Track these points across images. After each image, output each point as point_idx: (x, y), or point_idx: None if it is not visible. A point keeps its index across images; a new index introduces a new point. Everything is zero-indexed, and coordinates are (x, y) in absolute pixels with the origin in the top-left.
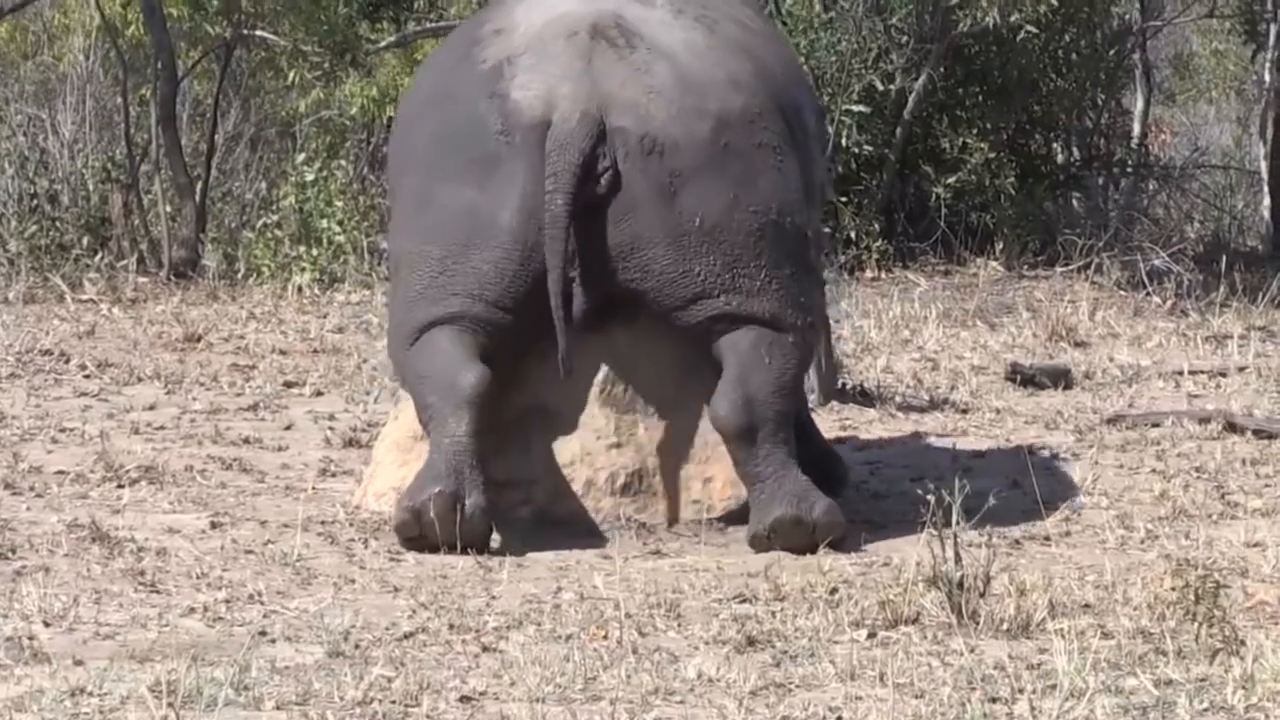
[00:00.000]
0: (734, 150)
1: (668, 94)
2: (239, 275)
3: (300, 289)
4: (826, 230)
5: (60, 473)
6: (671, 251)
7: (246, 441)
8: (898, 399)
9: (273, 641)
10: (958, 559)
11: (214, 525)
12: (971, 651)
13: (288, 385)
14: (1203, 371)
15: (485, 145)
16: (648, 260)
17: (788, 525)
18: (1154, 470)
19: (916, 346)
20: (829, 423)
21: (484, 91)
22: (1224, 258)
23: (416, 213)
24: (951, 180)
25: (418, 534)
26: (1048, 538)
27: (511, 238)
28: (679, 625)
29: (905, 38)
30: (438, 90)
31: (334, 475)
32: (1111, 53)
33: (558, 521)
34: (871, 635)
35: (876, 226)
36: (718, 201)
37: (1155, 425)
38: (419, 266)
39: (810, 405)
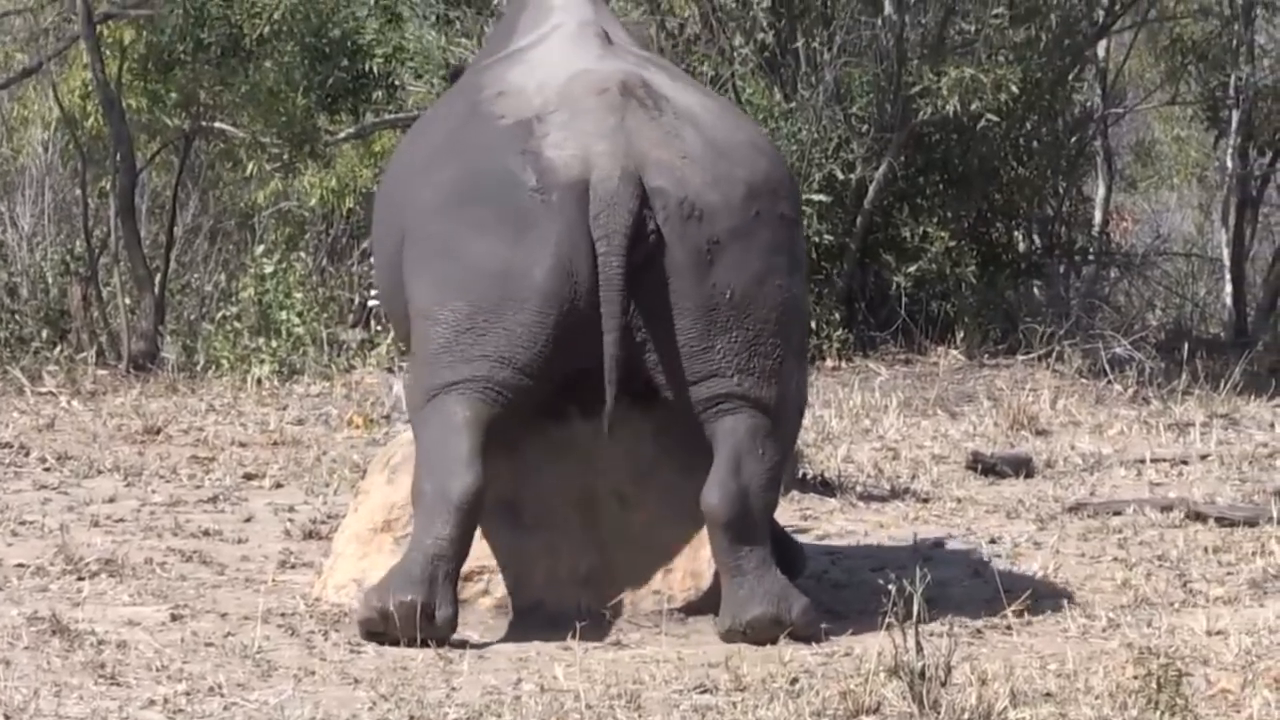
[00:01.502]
0: (763, 220)
1: (701, 159)
2: (198, 367)
3: (260, 381)
4: None
5: (20, 565)
6: (699, 324)
7: (206, 534)
8: (858, 488)
9: None
10: (919, 648)
11: (174, 617)
12: None
13: (247, 477)
14: (1165, 459)
15: (517, 201)
16: (675, 331)
17: (766, 624)
18: (1116, 559)
19: (877, 436)
20: (790, 512)
21: (512, 147)
22: (1186, 345)
23: (437, 261)
24: (912, 269)
25: (381, 630)
26: (1009, 627)
27: (544, 299)
28: (640, 716)
29: (866, 126)
30: (452, 141)
31: (294, 567)
32: (1073, 140)
33: (518, 612)
34: None
35: (837, 315)
36: (748, 273)
37: (1117, 513)
38: (442, 319)
39: None
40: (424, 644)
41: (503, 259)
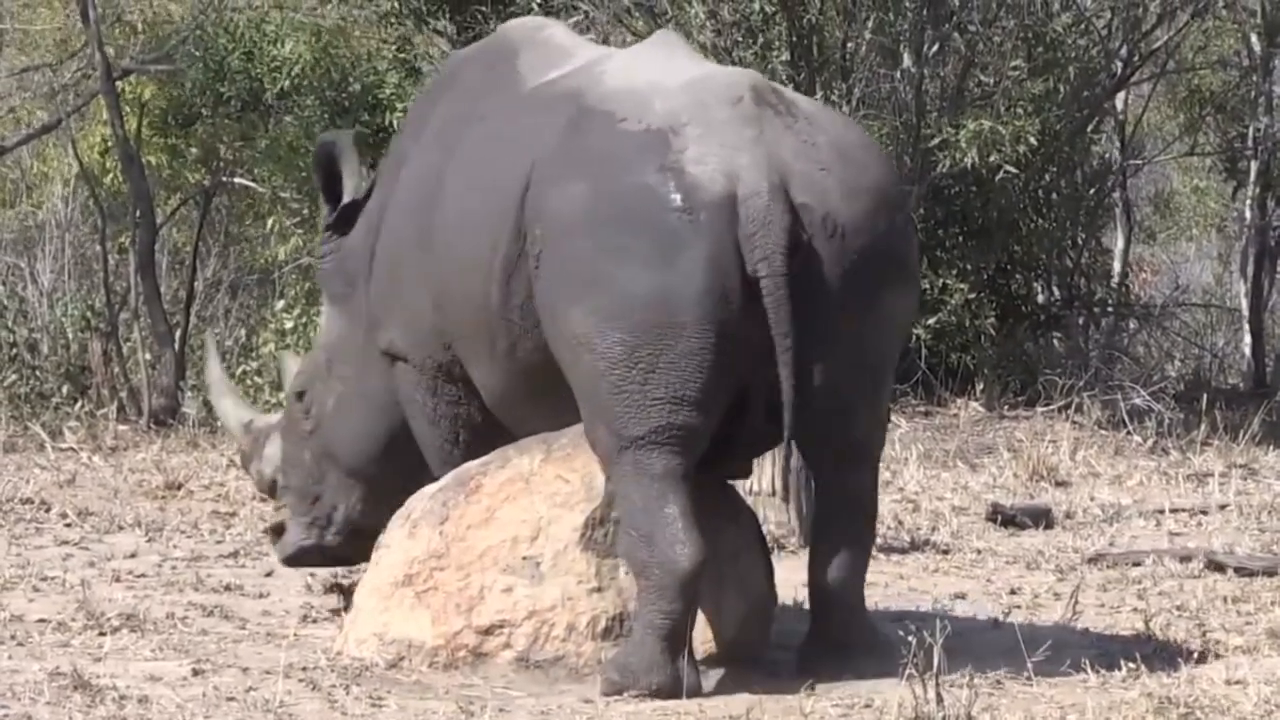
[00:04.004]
0: (888, 231)
1: (835, 168)
2: (219, 423)
3: None
4: None
5: (42, 621)
6: (838, 351)
7: (228, 588)
8: (879, 541)
9: None
10: (940, 700)
11: (196, 672)
12: None
13: (268, 532)
14: (1184, 510)
15: (664, 221)
16: (816, 359)
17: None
18: (1135, 609)
19: (897, 488)
20: None
21: (651, 162)
22: (1205, 396)
23: (589, 288)
24: (932, 321)
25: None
26: (1029, 677)
27: (703, 324)
28: None
29: None
30: (587, 150)
31: (315, 621)
32: (1092, 192)
33: (539, 666)
34: None
35: None
36: (877, 293)
37: (1136, 564)
38: (601, 352)
39: (792, 548)
40: (446, 694)
41: (655, 284)
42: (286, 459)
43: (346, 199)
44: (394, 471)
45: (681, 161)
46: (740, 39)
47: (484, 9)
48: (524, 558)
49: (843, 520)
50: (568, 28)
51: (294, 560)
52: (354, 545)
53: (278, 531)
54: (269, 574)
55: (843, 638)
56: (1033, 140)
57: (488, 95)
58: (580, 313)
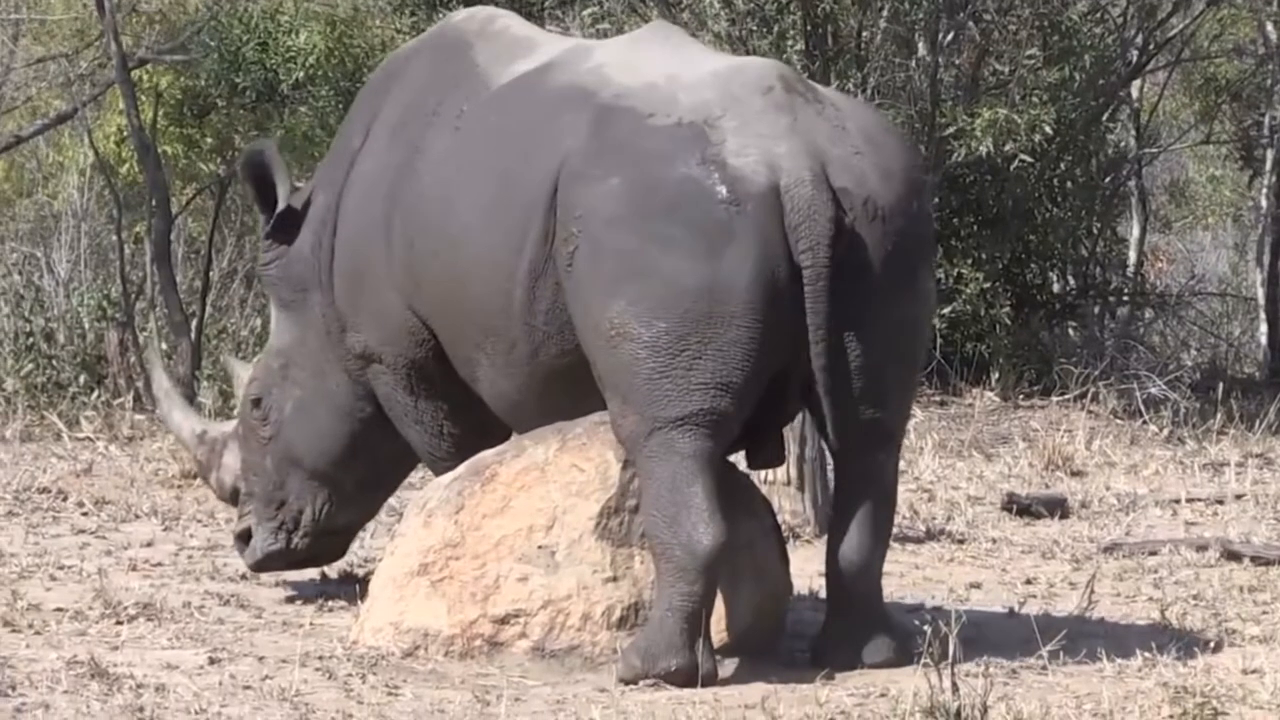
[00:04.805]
0: (918, 214)
1: (868, 153)
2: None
3: None
4: None
5: (59, 610)
6: (880, 335)
7: (244, 577)
8: (894, 530)
9: None
10: (955, 689)
11: (212, 661)
12: None
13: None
14: (1200, 499)
15: (711, 213)
16: (856, 342)
17: (889, 666)
18: (1151, 598)
19: (913, 477)
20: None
21: (691, 154)
22: (1221, 385)
23: (632, 280)
24: (947, 310)
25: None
26: (1045, 667)
27: (754, 314)
28: None
29: None
30: (620, 146)
31: (331, 610)
32: (1107, 180)
33: (555, 655)
34: None
35: None
36: (912, 276)
37: (1152, 553)
38: (646, 341)
39: (807, 537)
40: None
41: (703, 275)
42: (247, 466)
43: (281, 206)
44: (358, 470)
45: (723, 154)
46: (755, 28)
47: None
48: (539, 547)
49: (864, 503)
50: (521, 18)
51: (263, 565)
52: (323, 545)
53: (244, 538)
54: None
55: (859, 626)
56: (1048, 129)
57: (450, 90)
58: (622, 303)
